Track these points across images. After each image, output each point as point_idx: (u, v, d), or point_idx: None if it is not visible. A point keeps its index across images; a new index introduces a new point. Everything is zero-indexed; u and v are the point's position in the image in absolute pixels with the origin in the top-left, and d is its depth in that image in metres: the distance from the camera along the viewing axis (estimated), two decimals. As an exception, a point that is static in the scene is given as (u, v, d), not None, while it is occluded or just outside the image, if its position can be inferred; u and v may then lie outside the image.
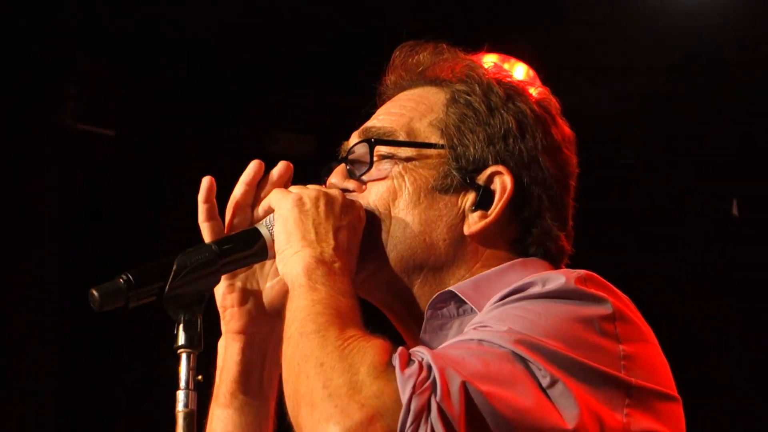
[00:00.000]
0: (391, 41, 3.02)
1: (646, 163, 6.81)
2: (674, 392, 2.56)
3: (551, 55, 5.71)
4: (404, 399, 2.32)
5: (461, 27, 5.73)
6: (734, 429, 7.13)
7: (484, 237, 2.75)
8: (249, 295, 2.86)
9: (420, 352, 2.41)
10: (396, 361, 2.38)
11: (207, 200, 2.83)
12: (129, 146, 6.60)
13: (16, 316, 6.27)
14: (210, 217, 2.83)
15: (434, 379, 2.33)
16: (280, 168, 2.84)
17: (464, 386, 2.33)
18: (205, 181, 2.83)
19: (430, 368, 2.35)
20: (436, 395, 2.32)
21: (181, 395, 2.59)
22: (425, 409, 2.31)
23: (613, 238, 6.78)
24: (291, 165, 2.85)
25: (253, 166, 2.84)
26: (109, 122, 6.56)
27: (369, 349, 2.41)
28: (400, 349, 2.42)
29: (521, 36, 5.64)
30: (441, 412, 2.31)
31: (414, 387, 2.32)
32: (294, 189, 2.76)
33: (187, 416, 2.58)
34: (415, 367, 2.36)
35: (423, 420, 2.31)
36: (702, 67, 6.20)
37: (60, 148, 6.38)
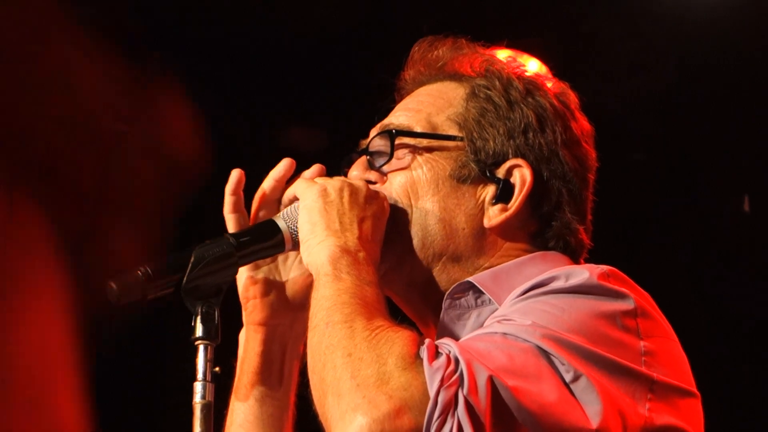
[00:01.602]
0: (407, 37, 3.01)
1: (657, 159, 6.80)
2: (694, 388, 2.57)
3: (561, 51, 5.71)
4: (432, 392, 2.32)
5: (470, 23, 5.71)
6: (738, 428, 7.12)
7: (504, 230, 2.75)
8: (272, 287, 2.87)
9: (447, 345, 2.41)
10: (424, 353, 2.37)
11: (234, 192, 2.85)
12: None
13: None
14: (236, 209, 2.85)
15: (462, 373, 2.33)
16: (313, 170, 2.85)
17: (491, 380, 2.33)
18: (235, 174, 2.85)
19: (457, 361, 2.35)
20: (463, 389, 2.32)
21: (198, 387, 2.59)
22: (452, 402, 2.31)
23: (622, 234, 6.77)
24: (324, 167, 2.86)
25: (284, 164, 2.86)
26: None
27: (397, 339, 2.40)
28: (427, 341, 2.41)
29: (531, 32, 5.63)
30: (468, 405, 2.31)
31: (442, 380, 2.32)
32: (319, 180, 2.77)
33: (205, 407, 2.58)
34: (443, 359, 2.35)
35: (450, 413, 2.31)
36: (712, 64, 6.19)
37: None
